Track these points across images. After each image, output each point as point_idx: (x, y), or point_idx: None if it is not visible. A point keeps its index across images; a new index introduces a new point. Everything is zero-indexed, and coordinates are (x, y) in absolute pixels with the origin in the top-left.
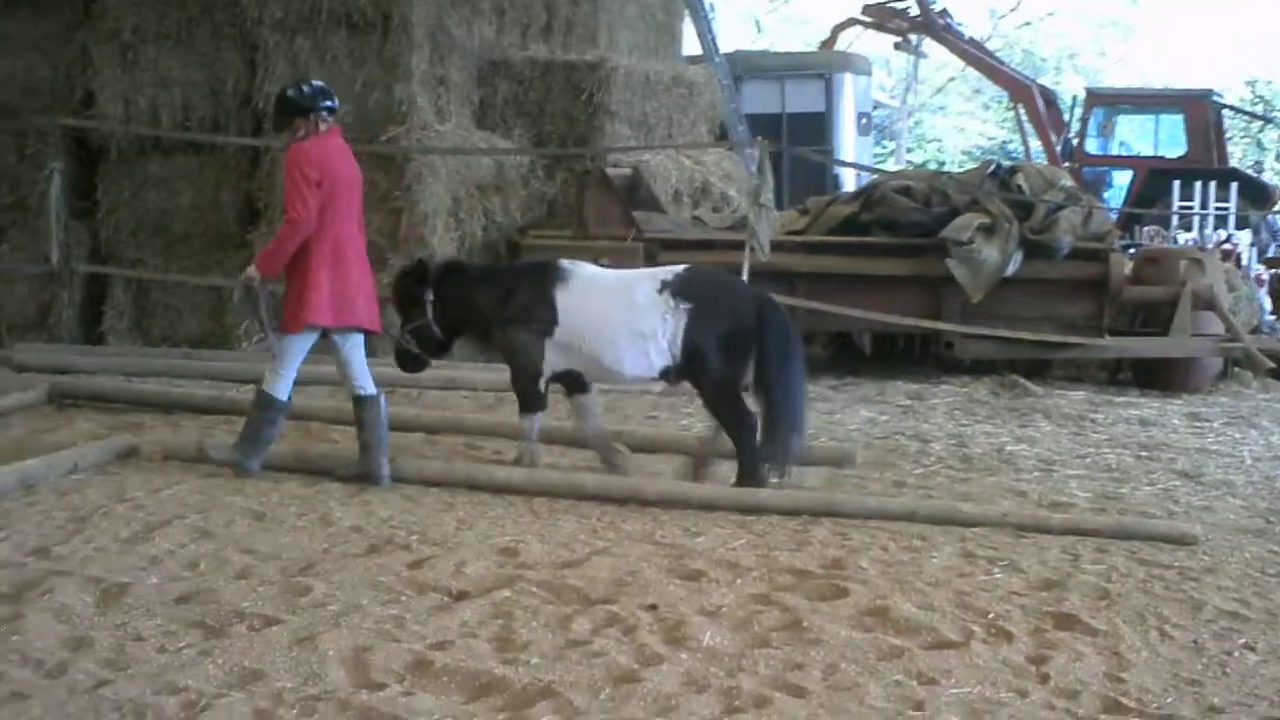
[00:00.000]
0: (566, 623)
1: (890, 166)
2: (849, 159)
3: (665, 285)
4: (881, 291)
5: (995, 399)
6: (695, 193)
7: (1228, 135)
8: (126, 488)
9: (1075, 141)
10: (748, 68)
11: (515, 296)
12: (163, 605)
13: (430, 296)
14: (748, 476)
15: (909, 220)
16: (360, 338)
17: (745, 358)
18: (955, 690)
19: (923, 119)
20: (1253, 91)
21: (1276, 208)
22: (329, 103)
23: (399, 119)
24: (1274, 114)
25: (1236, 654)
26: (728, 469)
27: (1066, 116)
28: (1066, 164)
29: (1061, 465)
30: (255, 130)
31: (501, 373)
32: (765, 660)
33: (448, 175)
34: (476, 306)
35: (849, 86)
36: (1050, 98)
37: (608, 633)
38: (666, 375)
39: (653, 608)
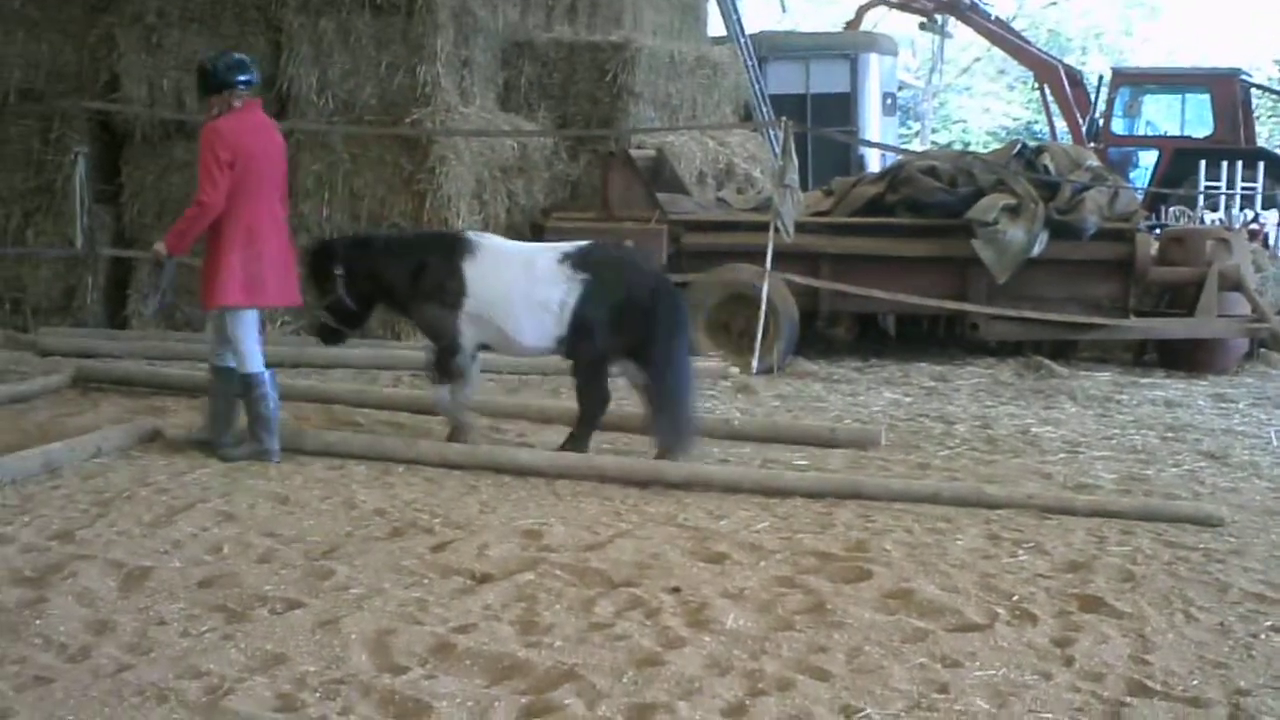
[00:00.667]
0: (589, 605)
1: (915, 147)
2: (874, 140)
3: (566, 257)
4: (906, 273)
5: (1020, 380)
6: (719, 174)
7: (1255, 114)
8: (150, 471)
9: (1101, 121)
10: (772, 48)
11: (425, 270)
12: (185, 589)
13: (340, 272)
14: (574, 443)
15: (934, 201)
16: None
17: (634, 333)
18: (980, 673)
19: (948, 99)
20: None
21: None
22: (245, 76)
23: (423, 101)
24: None
25: (1263, 636)
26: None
27: (1092, 96)
28: (1092, 144)
29: (1087, 447)
30: (279, 113)
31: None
32: (789, 643)
33: (471, 158)
34: (387, 280)
35: (874, 67)
36: (1076, 77)
37: (631, 615)
38: (561, 346)
39: (676, 590)
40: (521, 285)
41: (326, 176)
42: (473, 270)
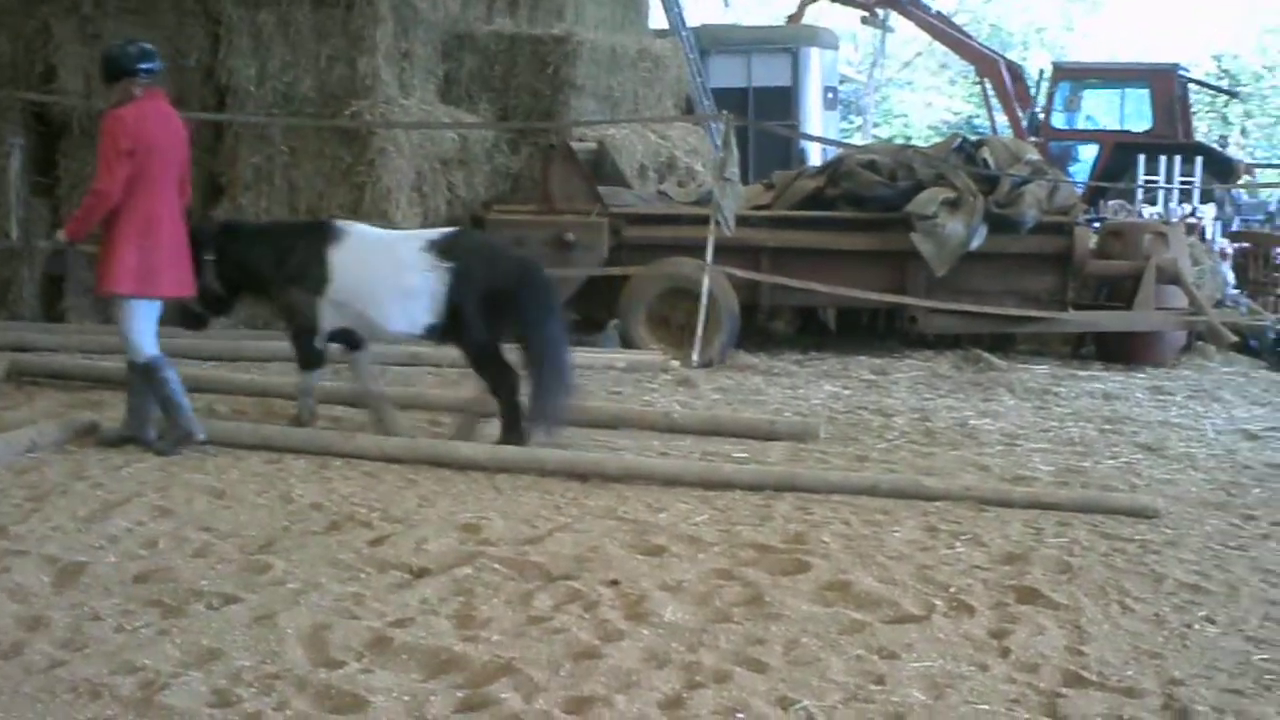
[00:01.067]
0: (528, 599)
1: (857, 141)
2: (815, 134)
3: (431, 245)
4: (846, 266)
5: (958, 373)
6: (661, 167)
7: (1193, 110)
8: (85, 466)
9: (1041, 116)
10: (714, 42)
11: (290, 256)
12: (121, 584)
13: (210, 257)
14: (510, 434)
15: (874, 195)
16: (157, 305)
17: (506, 318)
18: (916, 664)
19: (889, 94)
20: (1218, 66)
21: (1240, 182)
22: (148, 65)
23: (363, 93)
24: (1239, 88)
25: (1197, 626)
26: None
27: (1033, 91)
28: (1032, 138)
29: (1025, 439)
30: (218, 105)
31: None
32: (726, 635)
33: (411, 150)
34: (253, 266)
35: (815, 61)
36: (1017, 72)
37: (569, 609)
38: (433, 333)
39: (614, 583)
40: (387, 272)
41: (265, 169)
42: (337, 257)
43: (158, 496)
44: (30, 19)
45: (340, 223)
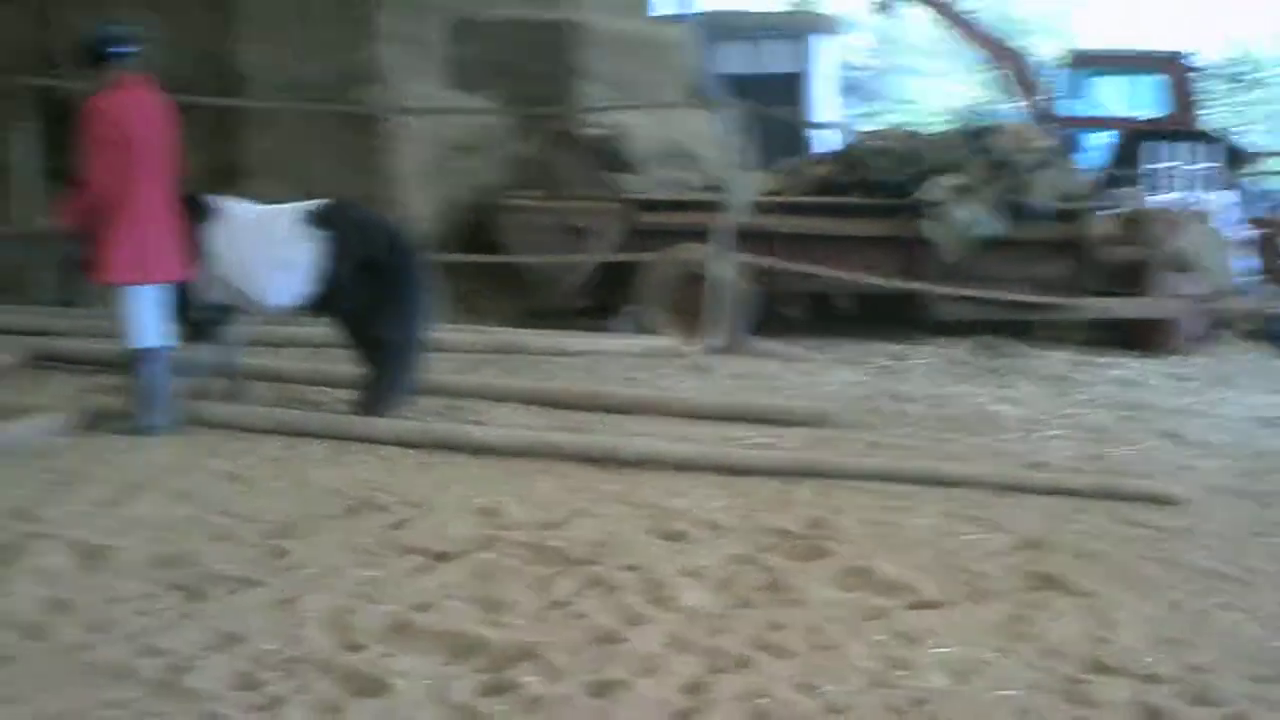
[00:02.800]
0: (548, 583)
1: (866, 128)
2: (825, 120)
3: (307, 216)
4: (859, 252)
5: (976, 360)
6: (671, 153)
7: (1205, 97)
8: (104, 451)
9: (1053, 103)
10: (723, 28)
11: None
12: (142, 568)
13: None
14: (374, 404)
15: (885, 181)
16: (157, 290)
17: (380, 286)
18: (938, 650)
19: (900, 80)
20: (1230, 53)
21: (1254, 169)
22: (121, 49)
23: (372, 78)
24: (1250, 76)
25: (1216, 613)
26: None
27: (1044, 78)
28: (1044, 125)
29: (1043, 426)
30: (226, 90)
31: (481, 334)
32: (747, 620)
33: (422, 136)
34: None
35: (825, 47)
36: (1028, 59)
37: (589, 593)
38: (310, 303)
39: (634, 568)
40: (264, 246)
41: (274, 155)
42: (211, 232)
43: (177, 481)
44: (31, 4)
45: (211, 198)
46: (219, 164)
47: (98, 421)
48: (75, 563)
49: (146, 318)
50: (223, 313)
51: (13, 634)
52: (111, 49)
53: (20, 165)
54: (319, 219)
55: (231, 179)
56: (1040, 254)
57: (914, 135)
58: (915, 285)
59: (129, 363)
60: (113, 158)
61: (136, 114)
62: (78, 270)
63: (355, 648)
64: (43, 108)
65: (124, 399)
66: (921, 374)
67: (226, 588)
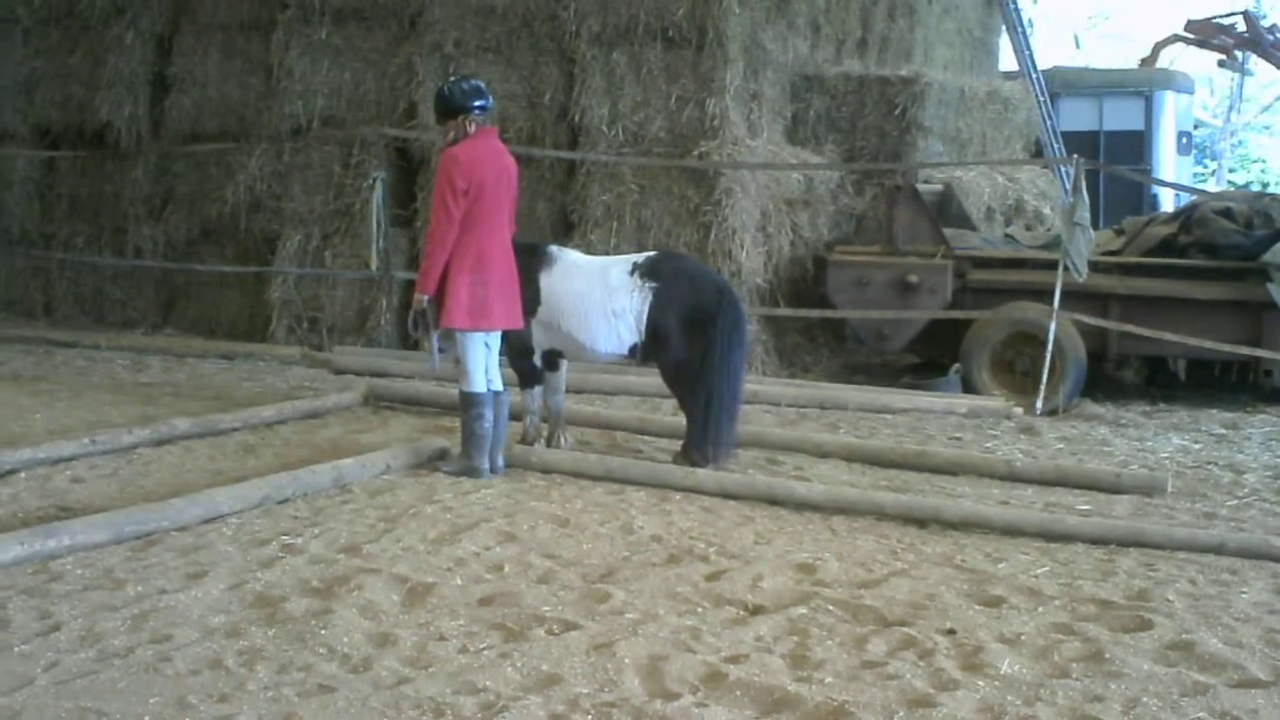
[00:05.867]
0: (862, 643)
1: (1211, 187)
2: (1168, 179)
3: (636, 267)
4: (1198, 316)
5: None
6: (1008, 210)
7: None
8: (436, 490)
9: None
10: (1065, 84)
11: None
12: (466, 606)
13: None
14: (693, 453)
15: (1229, 243)
16: (495, 338)
17: (703, 339)
18: None
19: (1247, 138)
20: None
21: None
22: (481, 102)
23: (711, 134)
24: None
25: None
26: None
27: None
28: None
29: None
30: (571, 143)
31: (803, 388)
32: (1064, 691)
33: (757, 190)
34: None
35: (1170, 104)
36: None
37: (903, 655)
38: (634, 352)
39: (951, 632)
40: (596, 295)
41: (615, 207)
42: (547, 280)
43: (504, 522)
44: (394, 57)
45: (553, 247)
46: (562, 214)
47: (430, 461)
48: (400, 598)
49: (480, 362)
50: (553, 359)
51: (335, 665)
52: (468, 103)
53: (374, 212)
54: (648, 270)
55: (573, 229)
56: None
57: (1261, 195)
58: (1258, 351)
59: (462, 405)
60: (463, 205)
61: (486, 164)
62: (421, 315)
63: (669, 696)
64: (394, 158)
65: (456, 441)
66: (1258, 443)
67: (546, 629)
